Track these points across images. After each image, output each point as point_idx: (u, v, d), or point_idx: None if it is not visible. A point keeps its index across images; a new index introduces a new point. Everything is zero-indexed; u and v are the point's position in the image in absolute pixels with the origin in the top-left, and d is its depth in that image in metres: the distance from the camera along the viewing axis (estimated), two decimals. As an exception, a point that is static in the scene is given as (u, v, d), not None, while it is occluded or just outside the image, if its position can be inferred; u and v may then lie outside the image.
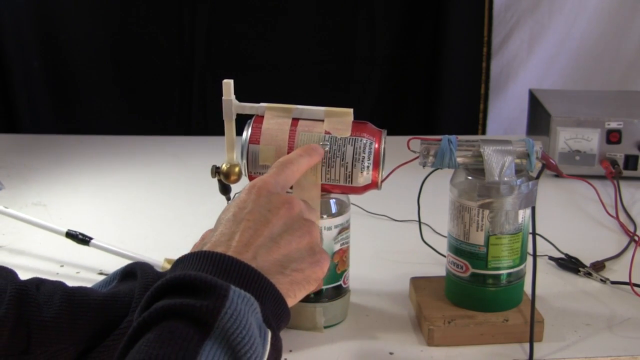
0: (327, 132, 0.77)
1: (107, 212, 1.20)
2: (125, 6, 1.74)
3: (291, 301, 0.63)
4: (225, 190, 0.88)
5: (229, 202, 0.67)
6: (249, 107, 0.81)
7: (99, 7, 1.73)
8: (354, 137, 0.77)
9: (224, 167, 0.84)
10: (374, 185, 0.77)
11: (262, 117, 0.80)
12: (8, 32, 1.69)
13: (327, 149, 0.77)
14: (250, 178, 0.81)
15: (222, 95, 0.82)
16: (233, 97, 0.82)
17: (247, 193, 0.65)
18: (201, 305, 0.52)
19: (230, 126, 0.83)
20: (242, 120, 0.82)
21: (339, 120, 0.78)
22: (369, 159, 0.76)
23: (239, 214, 0.64)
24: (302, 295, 0.64)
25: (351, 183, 0.77)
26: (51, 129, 1.76)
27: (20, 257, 1.02)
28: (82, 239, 0.98)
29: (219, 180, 0.85)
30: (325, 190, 0.79)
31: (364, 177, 0.77)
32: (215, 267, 0.58)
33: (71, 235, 0.98)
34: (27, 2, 1.69)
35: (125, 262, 0.92)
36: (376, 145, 0.77)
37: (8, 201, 1.21)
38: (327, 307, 0.85)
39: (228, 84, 0.81)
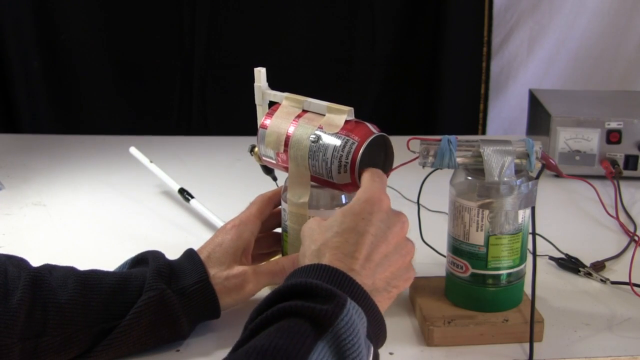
0: (320, 127, 0.79)
1: (107, 212, 1.20)
2: (125, 6, 1.74)
3: (384, 306, 0.68)
4: (268, 170, 0.95)
5: (344, 206, 0.70)
6: (272, 95, 0.87)
7: (99, 7, 1.73)
8: (340, 135, 0.78)
9: (257, 149, 0.89)
10: (354, 185, 0.78)
11: (280, 105, 0.85)
12: (8, 32, 1.69)
13: (316, 142, 0.78)
14: (262, 160, 0.87)
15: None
16: (263, 83, 0.88)
17: (364, 202, 0.69)
18: (321, 309, 0.57)
19: (261, 111, 0.89)
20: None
21: (334, 116, 0.79)
22: (347, 158, 0.77)
23: (361, 225, 0.67)
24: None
25: (332, 179, 0.78)
26: (51, 129, 1.76)
27: (20, 257, 1.02)
28: (186, 197, 1.17)
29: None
30: (318, 183, 0.81)
31: (342, 175, 0.77)
32: (337, 282, 0.62)
33: (181, 191, 1.19)
34: (27, 2, 1.69)
35: (205, 229, 1.02)
36: (357, 146, 0.77)
37: (8, 201, 1.21)
38: None
39: (259, 72, 0.88)
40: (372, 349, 0.60)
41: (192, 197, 1.17)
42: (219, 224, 1.08)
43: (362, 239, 0.66)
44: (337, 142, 0.77)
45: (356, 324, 0.58)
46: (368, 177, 0.73)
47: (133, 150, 1.29)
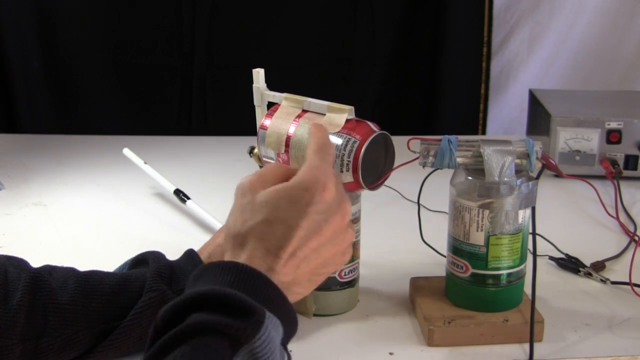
0: None
1: (108, 212, 1.20)
2: (125, 6, 1.74)
3: (305, 293, 0.65)
4: None
5: (283, 186, 0.62)
6: (271, 96, 0.87)
7: (99, 7, 1.73)
8: (341, 134, 0.78)
9: (256, 150, 0.89)
10: (356, 183, 0.77)
11: (279, 105, 0.84)
12: (8, 32, 1.69)
13: None
14: (262, 161, 0.86)
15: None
16: (261, 84, 0.87)
17: (303, 190, 0.61)
18: (239, 327, 0.54)
19: (260, 112, 0.89)
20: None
21: (335, 115, 0.79)
22: (348, 157, 0.77)
23: (294, 217, 0.60)
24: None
25: None
26: (51, 129, 1.76)
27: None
28: (182, 198, 1.17)
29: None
30: None
31: (344, 174, 0.77)
32: (252, 286, 0.58)
33: (176, 192, 1.18)
34: (27, 2, 1.69)
35: (204, 230, 1.02)
36: (359, 145, 0.77)
37: (8, 201, 1.21)
38: (319, 296, 0.86)
39: (257, 73, 0.88)
40: (285, 357, 0.58)
41: (189, 198, 1.17)
42: (217, 225, 1.07)
43: (291, 232, 0.60)
44: (338, 141, 0.77)
45: (273, 339, 0.56)
46: (315, 154, 0.64)
47: (126, 151, 1.28)
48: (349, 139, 0.77)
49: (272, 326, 0.56)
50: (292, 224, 0.60)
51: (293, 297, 0.62)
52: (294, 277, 0.61)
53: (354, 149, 0.77)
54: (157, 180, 1.22)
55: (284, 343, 0.58)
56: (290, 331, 0.60)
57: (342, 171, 0.77)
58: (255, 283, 0.58)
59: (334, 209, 0.62)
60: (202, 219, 1.13)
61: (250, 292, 0.57)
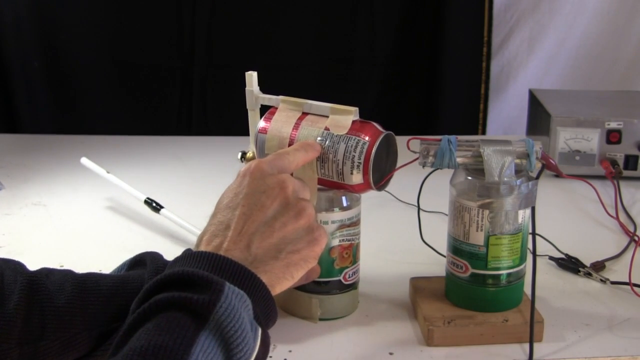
0: (326, 129, 0.78)
1: (107, 213, 1.20)
2: (124, 6, 1.74)
3: (288, 283, 0.66)
4: None
5: (228, 187, 0.70)
6: (267, 99, 0.85)
7: (99, 7, 1.73)
8: (349, 136, 0.77)
9: (249, 154, 0.88)
10: (367, 185, 0.77)
11: (277, 108, 0.83)
12: (8, 32, 1.69)
13: (323, 144, 0.78)
14: None
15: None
16: (255, 88, 0.86)
17: (242, 176, 0.69)
18: (198, 298, 0.55)
19: (253, 115, 0.87)
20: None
21: (340, 117, 0.78)
22: (359, 158, 0.76)
23: (235, 200, 0.67)
24: (300, 274, 0.67)
25: (343, 180, 0.78)
26: (51, 129, 1.76)
27: (20, 258, 1.01)
28: (155, 207, 1.11)
29: None
30: (324, 185, 0.80)
31: (354, 175, 0.77)
32: (212, 265, 0.60)
33: (147, 202, 1.12)
34: (27, 2, 1.69)
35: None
36: (369, 146, 0.76)
37: (8, 201, 1.21)
38: (324, 300, 0.85)
39: (250, 76, 0.86)
40: (259, 331, 0.59)
41: (162, 207, 1.12)
42: (196, 231, 1.05)
43: (234, 212, 0.66)
44: (347, 142, 0.77)
45: (237, 308, 0.56)
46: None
47: (84, 160, 1.22)
48: (358, 140, 0.77)
49: (235, 296, 0.57)
50: (233, 205, 0.66)
51: (267, 277, 0.64)
52: (255, 253, 0.64)
53: (364, 150, 0.76)
54: (123, 188, 1.17)
55: (260, 320, 0.59)
56: (265, 308, 0.61)
57: (352, 173, 0.77)
58: (212, 261, 0.61)
59: (269, 181, 0.67)
60: (184, 227, 1.09)
61: (207, 270, 0.59)
